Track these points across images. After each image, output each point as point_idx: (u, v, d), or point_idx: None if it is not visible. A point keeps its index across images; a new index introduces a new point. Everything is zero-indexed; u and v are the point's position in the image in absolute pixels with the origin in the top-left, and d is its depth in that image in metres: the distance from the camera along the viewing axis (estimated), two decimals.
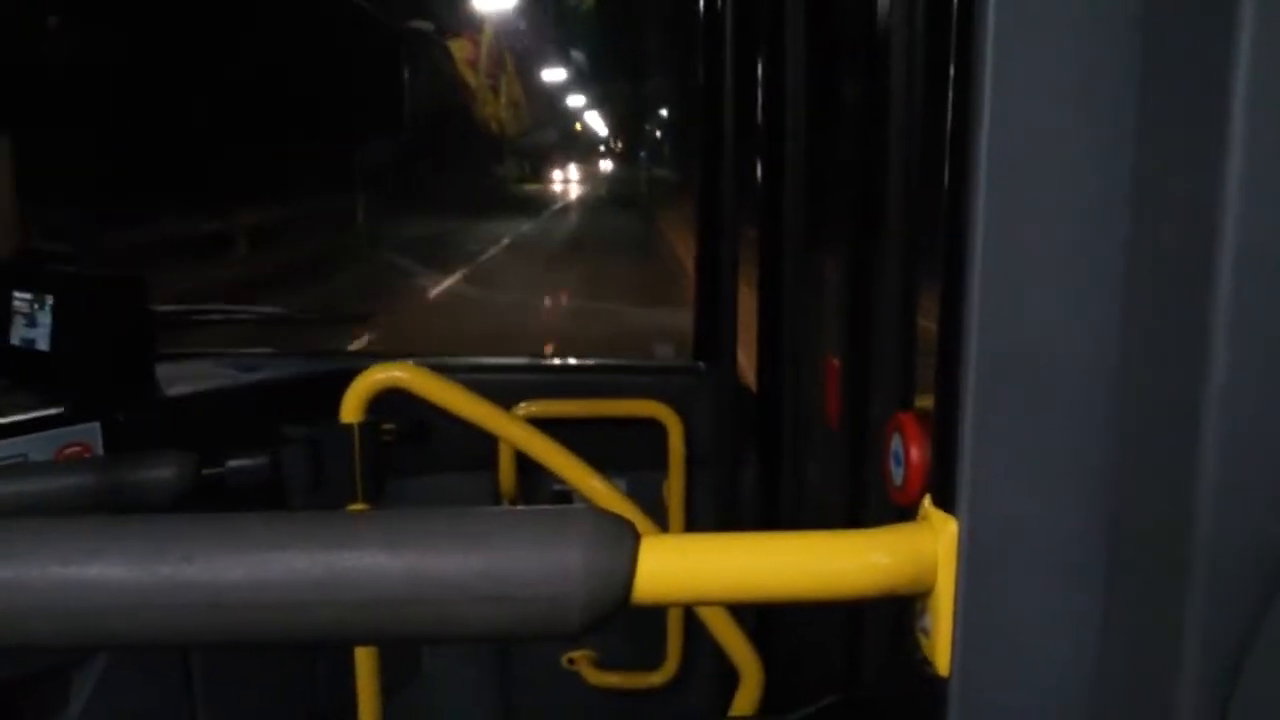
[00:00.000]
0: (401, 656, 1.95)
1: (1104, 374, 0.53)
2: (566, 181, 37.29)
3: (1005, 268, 0.53)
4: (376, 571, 0.50)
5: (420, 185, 20.33)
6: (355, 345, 5.79)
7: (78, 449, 1.49)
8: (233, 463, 1.35)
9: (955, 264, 0.54)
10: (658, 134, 35.41)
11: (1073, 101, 0.52)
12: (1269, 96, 0.44)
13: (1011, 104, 0.51)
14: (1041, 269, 0.53)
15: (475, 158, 26.19)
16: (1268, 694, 0.47)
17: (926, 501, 0.58)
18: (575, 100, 35.25)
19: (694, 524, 1.92)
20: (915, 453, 0.87)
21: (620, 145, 40.61)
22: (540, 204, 28.10)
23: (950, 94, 0.54)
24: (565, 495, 1.84)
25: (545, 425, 1.59)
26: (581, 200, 31.54)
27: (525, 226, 20.83)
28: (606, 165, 40.85)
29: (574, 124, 37.66)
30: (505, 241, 17.50)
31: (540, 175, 35.76)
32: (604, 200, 31.33)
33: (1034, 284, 0.53)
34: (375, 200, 17.21)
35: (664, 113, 32.98)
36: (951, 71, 0.54)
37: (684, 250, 12.90)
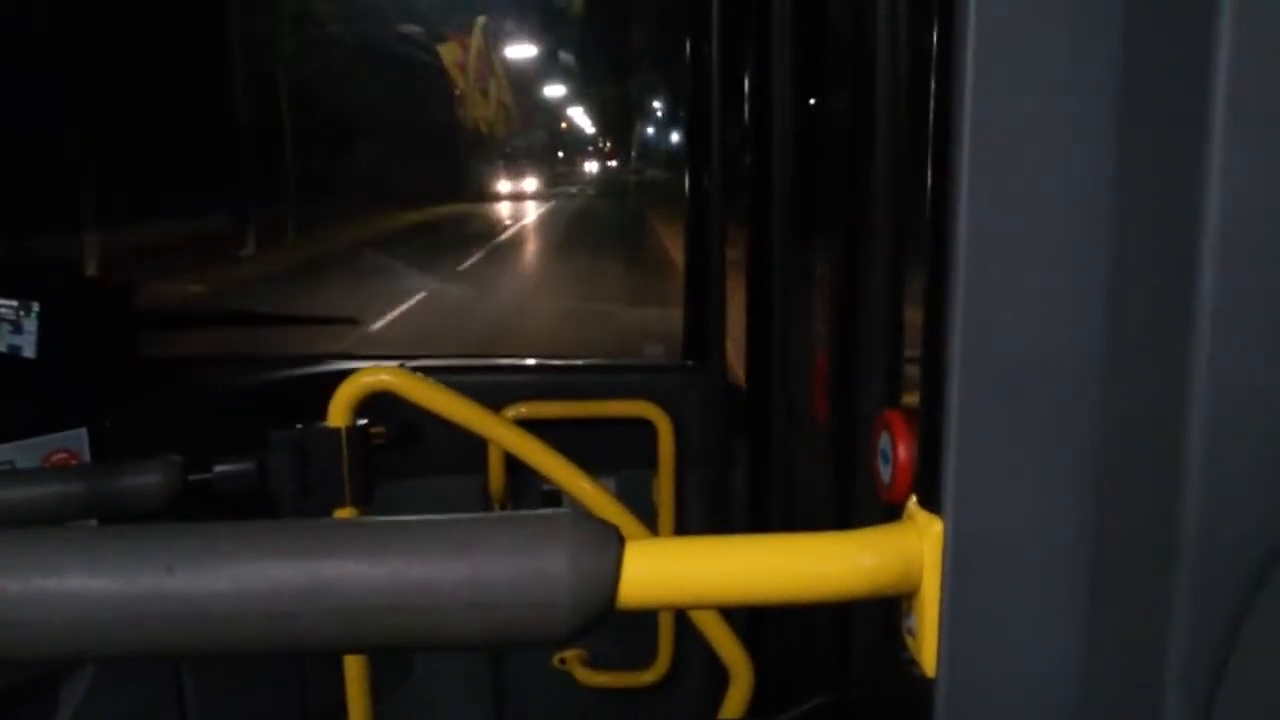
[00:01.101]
0: (393, 658, 1.94)
1: (1088, 373, 0.53)
2: (521, 196, 28.07)
3: (989, 266, 0.53)
4: (361, 580, 0.50)
5: (330, 201, 15.64)
6: None
7: (64, 455, 1.49)
8: (220, 468, 1.34)
9: (939, 262, 0.54)
10: (649, 131, 35.31)
11: (1055, 99, 0.52)
12: (1249, 93, 0.44)
13: (994, 101, 0.51)
14: (1025, 267, 0.53)
15: (448, 160, 23.62)
16: (1252, 692, 0.47)
17: (912, 502, 0.58)
18: (559, 95, 34.85)
19: (684, 522, 1.92)
20: (903, 451, 0.87)
21: (609, 145, 40.54)
22: (484, 231, 19.24)
23: (933, 92, 0.54)
24: (554, 496, 1.83)
25: (534, 426, 1.59)
26: (556, 213, 24.15)
27: (420, 296, 10.51)
28: (593, 166, 40.55)
29: (560, 124, 37.36)
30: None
31: (495, 187, 27.72)
32: (584, 214, 24.47)
33: (1018, 282, 0.53)
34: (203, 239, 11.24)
35: (658, 110, 32.80)
36: (935, 69, 0.54)
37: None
